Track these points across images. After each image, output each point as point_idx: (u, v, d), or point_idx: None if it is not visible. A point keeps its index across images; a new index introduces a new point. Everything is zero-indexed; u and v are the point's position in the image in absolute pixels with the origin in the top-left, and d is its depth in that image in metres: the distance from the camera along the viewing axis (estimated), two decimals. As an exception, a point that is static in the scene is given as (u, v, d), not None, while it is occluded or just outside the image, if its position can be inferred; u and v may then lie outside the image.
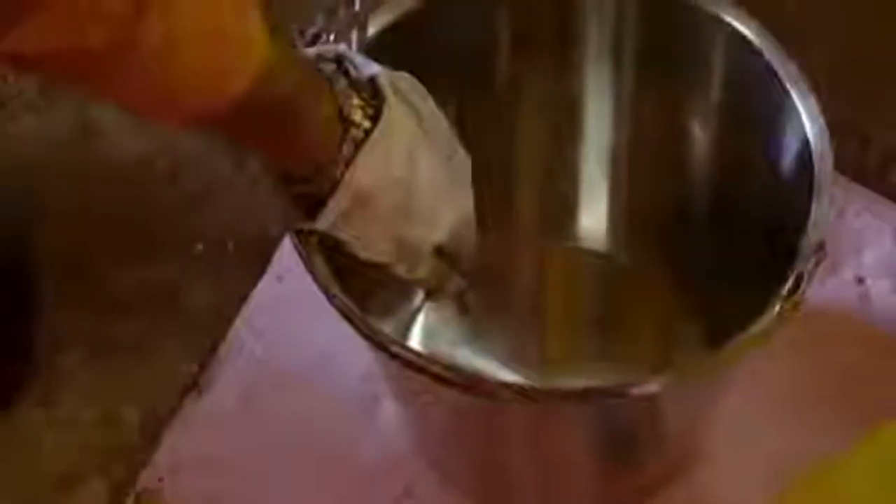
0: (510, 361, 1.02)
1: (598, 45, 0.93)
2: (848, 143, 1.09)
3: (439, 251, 0.84)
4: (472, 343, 1.03)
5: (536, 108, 0.98)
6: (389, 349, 0.77)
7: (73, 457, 1.01)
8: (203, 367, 1.05)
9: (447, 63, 0.88)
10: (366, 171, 0.76)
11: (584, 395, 0.80)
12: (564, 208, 1.06)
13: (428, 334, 1.04)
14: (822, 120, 0.82)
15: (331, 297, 0.78)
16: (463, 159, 0.84)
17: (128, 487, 1.00)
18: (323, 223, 0.77)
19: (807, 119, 0.83)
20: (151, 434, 1.02)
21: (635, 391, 0.76)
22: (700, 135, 0.95)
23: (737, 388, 0.94)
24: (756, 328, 0.76)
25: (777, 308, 0.76)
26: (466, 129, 0.85)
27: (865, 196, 1.10)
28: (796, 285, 0.76)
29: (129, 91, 0.66)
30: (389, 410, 1.01)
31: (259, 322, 1.06)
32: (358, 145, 0.76)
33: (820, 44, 1.08)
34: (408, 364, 0.76)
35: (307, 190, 0.77)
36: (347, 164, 0.76)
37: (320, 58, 0.77)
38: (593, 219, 1.06)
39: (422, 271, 0.84)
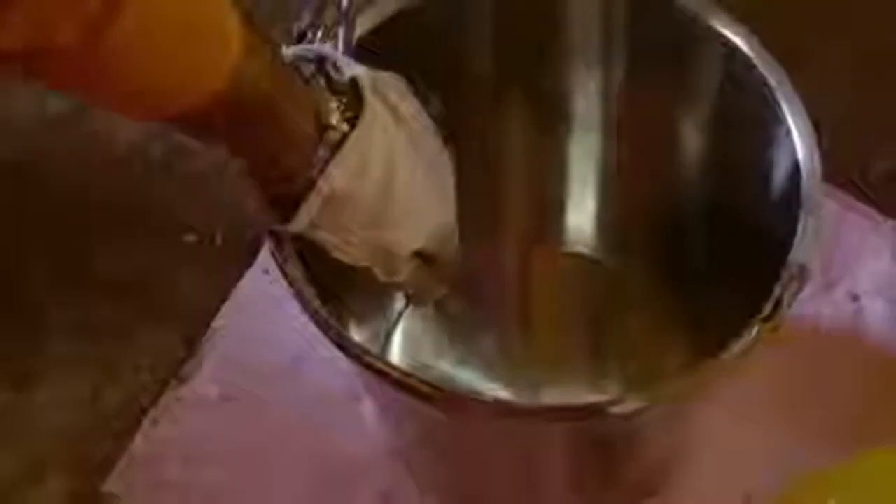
0: (494, 369, 1.01)
1: (586, 47, 0.92)
2: (849, 158, 1.07)
3: (420, 256, 0.83)
4: (455, 351, 1.02)
5: (524, 110, 0.96)
6: (363, 360, 0.76)
7: (48, 441, 1.01)
8: (186, 356, 1.04)
9: (434, 63, 0.87)
10: (341, 175, 0.75)
11: (560, 412, 0.79)
12: (552, 212, 1.05)
13: (409, 341, 1.03)
14: (813, 141, 0.81)
15: (304, 304, 0.77)
16: (446, 163, 0.83)
17: (104, 473, 1.00)
18: (297, 226, 0.76)
19: (798, 139, 0.81)
20: (132, 420, 1.02)
21: (611, 410, 0.75)
22: (691, 141, 0.94)
23: (724, 401, 0.93)
24: (733, 350, 0.75)
25: (755, 331, 0.75)
26: (451, 131, 0.84)
27: (864, 212, 1.09)
28: (776, 308, 0.75)
29: (101, 88, 0.65)
30: (371, 409, 1.00)
31: (244, 313, 1.06)
32: (334, 148, 0.75)
33: (820, 59, 1.07)
34: (379, 375, 0.75)
35: (283, 191, 0.76)
36: (323, 168, 0.75)
37: (300, 58, 0.76)
38: (581, 222, 1.05)
39: (401, 276, 0.83)
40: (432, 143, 0.82)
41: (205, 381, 1.03)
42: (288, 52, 0.77)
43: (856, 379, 1.02)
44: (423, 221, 0.81)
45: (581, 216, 1.05)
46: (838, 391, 1.01)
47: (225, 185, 1.09)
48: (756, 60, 0.84)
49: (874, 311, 1.05)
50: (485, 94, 0.94)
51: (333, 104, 0.75)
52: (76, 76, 0.64)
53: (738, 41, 0.85)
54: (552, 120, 0.97)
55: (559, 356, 1.03)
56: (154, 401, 1.03)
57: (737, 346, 0.75)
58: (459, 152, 0.84)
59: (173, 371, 1.04)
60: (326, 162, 0.75)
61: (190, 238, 1.09)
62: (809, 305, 1.04)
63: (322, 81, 0.75)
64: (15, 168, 1.13)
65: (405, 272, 0.83)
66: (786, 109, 0.82)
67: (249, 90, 0.68)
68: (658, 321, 1.03)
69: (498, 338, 1.03)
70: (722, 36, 0.85)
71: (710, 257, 0.95)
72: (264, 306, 1.04)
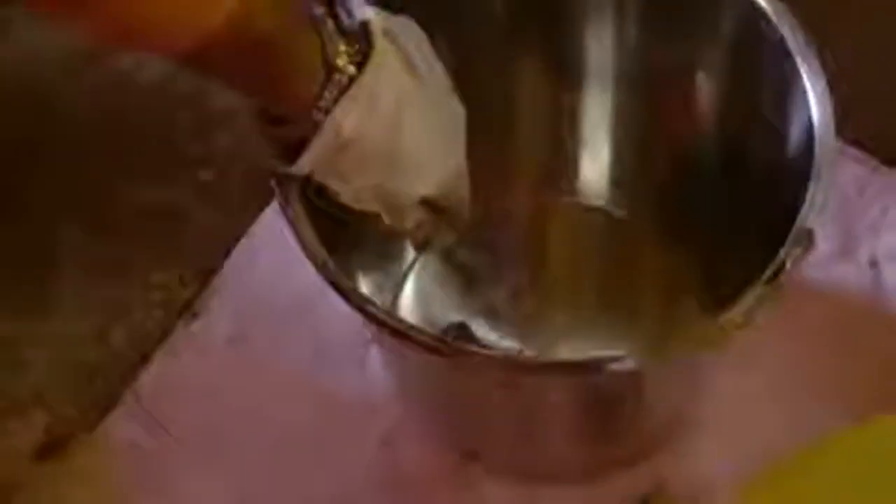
0: (506, 322, 1.01)
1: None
2: (874, 120, 1.05)
3: (428, 204, 0.83)
4: (467, 304, 1.01)
5: (536, 60, 0.95)
6: (364, 309, 0.76)
7: (51, 373, 1.01)
8: (198, 293, 1.04)
9: (447, 10, 0.86)
10: (347, 118, 0.74)
11: (560, 368, 0.79)
12: (565, 162, 1.04)
13: (420, 293, 1.03)
14: (828, 104, 0.80)
15: (304, 247, 0.77)
16: (457, 111, 0.83)
17: (108, 409, 1.00)
18: (302, 167, 0.76)
19: (813, 101, 0.80)
20: (138, 356, 1.02)
21: (612, 367, 0.75)
22: (706, 94, 0.93)
23: (736, 362, 0.92)
24: (735, 311, 0.74)
25: (757, 293, 0.74)
26: (465, 79, 0.83)
27: (889, 176, 1.07)
28: (778, 271, 0.74)
29: (100, 20, 0.64)
30: (378, 354, 1.00)
31: (258, 254, 1.06)
32: (341, 91, 0.74)
33: (849, 21, 1.05)
34: (380, 325, 0.75)
35: (289, 133, 0.76)
36: (329, 110, 0.74)
37: None
38: (594, 173, 1.04)
39: (408, 223, 0.83)
40: (444, 90, 0.82)
41: (215, 319, 1.04)
42: None
43: (873, 345, 1.00)
44: (432, 167, 0.81)
45: (594, 168, 1.04)
46: (854, 356, 1.00)
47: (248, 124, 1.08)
48: (773, 15, 0.83)
49: (893, 276, 1.03)
50: (498, 44, 0.93)
51: (342, 47, 0.74)
52: (70, 7, 0.63)
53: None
54: (566, 69, 0.97)
55: (571, 309, 1.02)
56: (163, 337, 1.03)
57: (738, 308, 0.74)
58: (472, 101, 0.84)
59: (184, 308, 1.04)
60: (333, 104, 0.74)
61: (208, 174, 1.09)
62: (828, 269, 1.03)
63: (330, 23, 0.74)
64: (38, 98, 1.12)
65: (413, 219, 0.83)
66: (802, 68, 0.81)
67: (252, 27, 0.68)
68: (671, 274, 1.02)
69: (510, 291, 1.02)
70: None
71: (724, 212, 0.94)
72: (279, 246, 1.03)
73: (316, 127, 0.74)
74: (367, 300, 0.76)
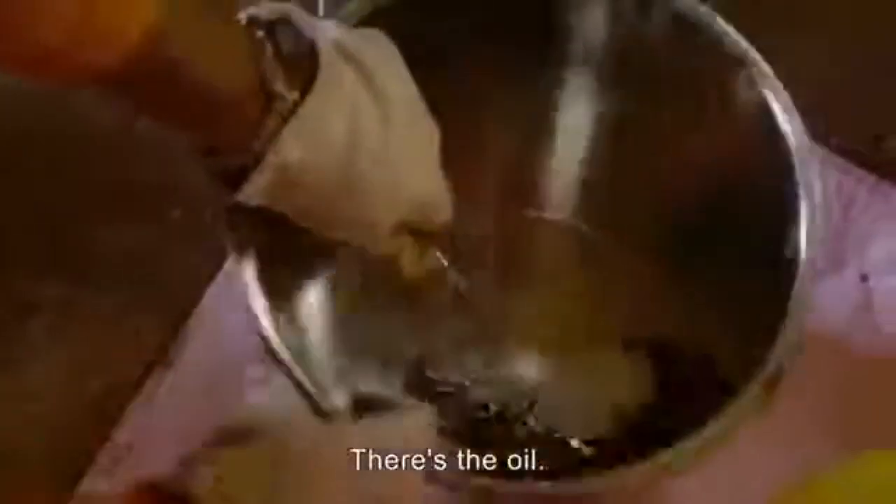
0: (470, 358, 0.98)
1: (576, 48, 0.89)
2: (862, 134, 1.03)
3: (410, 228, 0.79)
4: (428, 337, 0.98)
5: (509, 117, 0.93)
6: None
7: (27, 428, 0.98)
8: (172, 339, 1.01)
9: (421, 39, 0.81)
10: (293, 145, 0.70)
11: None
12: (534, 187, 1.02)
13: None
14: (816, 167, 0.79)
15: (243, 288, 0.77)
16: (431, 130, 0.78)
17: (85, 460, 0.97)
18: (246, 197, 0.72)
19: (798, 168, 0.79)
20: (115, 407, 0.99)
21: (601, 488, 0.73)
22: (686, 158, 0.91)
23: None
24: (730, 413, 0.72)
25: (753, 394, 0.72)
26: (435, 96, 0.79)
27: (878, 188, 1.04)
28: (775, 378, 0.72)
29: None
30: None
31: (230, 295, 1.02)
32: (285, 118, 0.69)
33: (831, 40, 1.02)
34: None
35: (233, 164, 0.71)
36: (271, 138, 0.69)
37: (252, 20, 0.70)
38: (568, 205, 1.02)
39: (388, 247, 0.80)
40: (415, 108, 0.77)
41: (191, 365, 1.01)
42: (242, 14, 0.70)
43: (862, 373, 0.99)
44: (400, 191, 0.76)
45: (567, 197, 1.02)
46: (842, 386, 0.98)
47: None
48: (756, 76, 0.82)
49: (884, 290, 1.01)
50: (470, 58, 0.89)
51: (281, 72, 0.69)
52: None
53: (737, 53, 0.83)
54: (538, 131, 0.95)
55: (550, 351, 0.99)
56: (139, 386, 1.00)
57: (733, 409, 0.72)
58: (448, 121, 0.79)
59: (158, 355, 1.01)
60: (275, 133, 0.70)
61: (177, 215, 1.06)
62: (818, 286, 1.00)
63: (268, 47, 0.69)
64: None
65: (392, 244, 0.80)
66: (789, 136, 0.80)
67: (169, 53, 0.62)
68: (655, 295, 0.98)
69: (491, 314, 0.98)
70: (724, 49, 0.83)
71: (706, 234, 0.92)
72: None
73: (256, 157, 0.70)
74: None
